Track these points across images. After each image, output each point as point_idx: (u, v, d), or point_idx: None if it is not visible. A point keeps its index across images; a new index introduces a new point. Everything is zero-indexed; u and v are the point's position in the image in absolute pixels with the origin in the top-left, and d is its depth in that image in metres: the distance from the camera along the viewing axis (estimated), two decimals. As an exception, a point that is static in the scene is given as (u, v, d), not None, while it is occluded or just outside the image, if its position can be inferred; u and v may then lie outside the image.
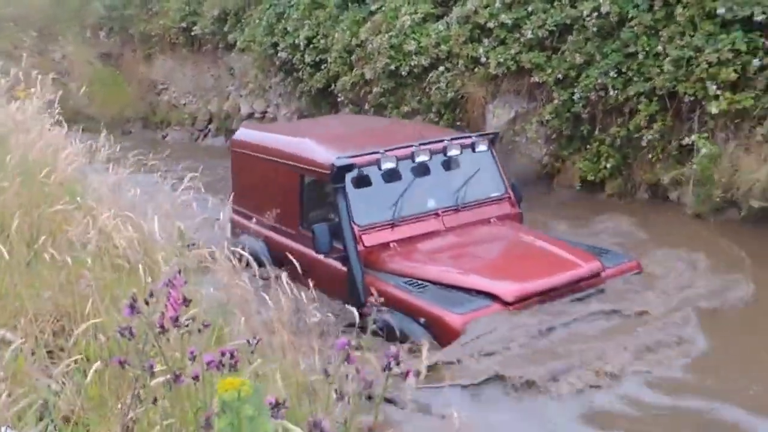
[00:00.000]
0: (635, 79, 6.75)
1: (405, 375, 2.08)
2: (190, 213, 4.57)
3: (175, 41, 12.84)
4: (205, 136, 12.26)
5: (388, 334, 4.26)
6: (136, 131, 13.23)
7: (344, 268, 4.91)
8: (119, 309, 2.75)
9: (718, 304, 4.52)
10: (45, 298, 3.09)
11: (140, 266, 3.05)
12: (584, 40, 7.17)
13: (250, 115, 11.29)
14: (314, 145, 5.50)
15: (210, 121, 12.28)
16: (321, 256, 4.99)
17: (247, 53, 11.15)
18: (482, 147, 5.43)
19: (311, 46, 9.72)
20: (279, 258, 5.45)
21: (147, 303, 2.29)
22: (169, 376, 2.12)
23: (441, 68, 8.21)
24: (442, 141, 5.32)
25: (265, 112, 11.11)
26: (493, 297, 4.39)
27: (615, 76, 6.86)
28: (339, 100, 9.47)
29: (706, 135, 6.34)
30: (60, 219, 3.70)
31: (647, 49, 6.70)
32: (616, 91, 6.84)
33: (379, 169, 5.03)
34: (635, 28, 6.78)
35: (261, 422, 1.46)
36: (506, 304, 4.34)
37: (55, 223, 3.73)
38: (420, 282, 4.65)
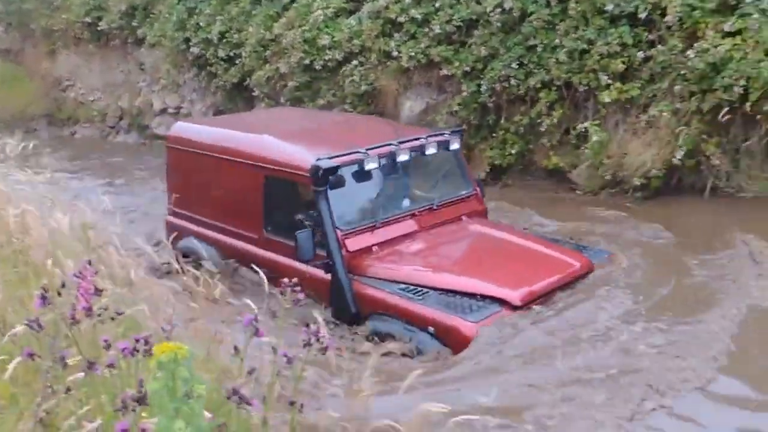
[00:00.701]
0: (535, 70, 7.18)
1: (323, 350, 2.23)
2: (102, 210, 4.52)
3: (80, 36, 12.34)
4: (117, 132, 11.90)
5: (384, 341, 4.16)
6: (41, 129, 12.64)
7: (326, 276, 4.62)
8: (27, 307, 2.74)
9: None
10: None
11: (48, 263, 3.04)
12: (489, 35, 7.52)
13: (163, 111, 11.07)
14: (282, 144, 5.10)
15: (121, 118, 11.92)
16: (293, 262, 4.67)
17: (157, 48, 10.89)
18: (456, 144, 5.26)
19: (225, 40, 9.65)
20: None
21: (59, 294, 2.33)
22: (83, 365, 2.17)
23: (354, 62, 8.37)
24: (418, 139, 5.11)
25: (180, 107, 10.91)
26: (500, 301, 4.24)
27: (517, 67, 7.26)
28: (254, 94, 9.46)
29: (598, 122, 6.85)
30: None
31: (545, 42, 7.14)
32: (518, 82, 7.25)
33: (362, 169, 4.78)
34: (534, 22, 7.20)
35: (194, 383, 1.54)
36: (514, 308, 4.22)
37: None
38: (416, 288, 4.42)
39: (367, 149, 4.82)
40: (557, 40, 7.07)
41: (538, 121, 7.20)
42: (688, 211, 6.12)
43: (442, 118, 7.81)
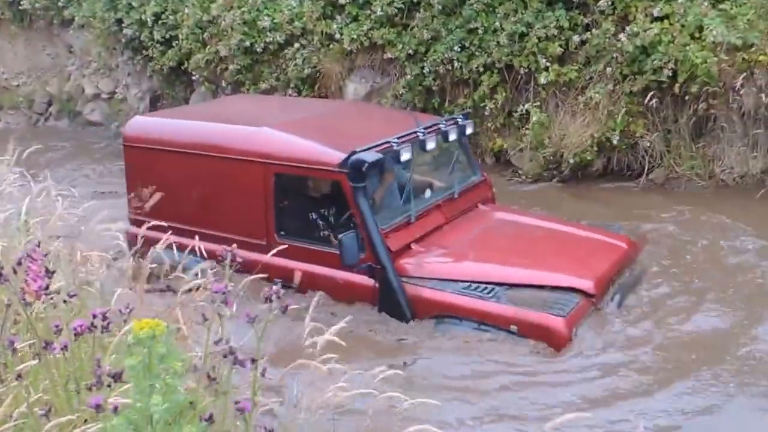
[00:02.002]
0: (477, 53, 7.31)
1: (284, 309, 2.26)
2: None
3: (1, 16, 11.63)
4: (46, 119, 11.35)
5: None
6: (-40, 118, 11.90)
7: (368, 281, 4.33)
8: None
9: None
10: None
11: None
12: (431, 17, 7.59)
13: (96, 96, 10.62)
14: (293, 138, 4.62)
15: (50, 104, 11.36)
16: (317, 268, 4.36)
17: (87, 30, 10.40)
18: (470, 129, 5.06)
19: (160, 22, 9.30)
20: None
21: (15, 272, 2.27)
22: (38, 349, 2.10)
23: (296, 44, 8.28)
24: (438, 125, 4.83)
25: (114, 92, 10.49)
26: (576, 292, 4.10)
27: (459, 50, 7.37)
28: (194, 78, 9.22)
29: (538, 104, 7.08)
30: None
31: (486, 25, 7.27)
32: (461, 65, 7.37)
33: (398, 161, 4.47)
34: (475, 5, 7.31)
35: (171, 360, 1.54)
36: (589, 296, 4.13)
37: None
38: (480, 285, 4.19)
39: (399, 138, 4.49)
40: (497, 23, 7.21)
41: (482, 104, 7.36)
42: (614, 190, 6.48)
43: (388, 101, 7.86)
